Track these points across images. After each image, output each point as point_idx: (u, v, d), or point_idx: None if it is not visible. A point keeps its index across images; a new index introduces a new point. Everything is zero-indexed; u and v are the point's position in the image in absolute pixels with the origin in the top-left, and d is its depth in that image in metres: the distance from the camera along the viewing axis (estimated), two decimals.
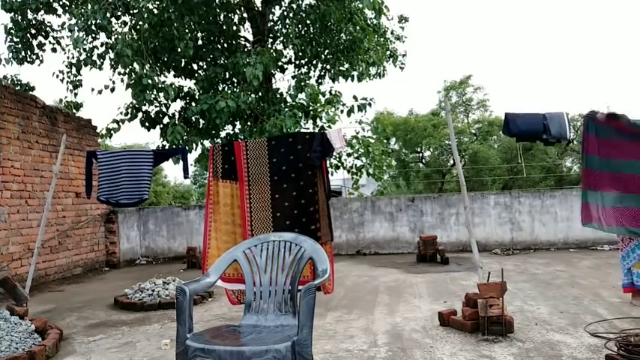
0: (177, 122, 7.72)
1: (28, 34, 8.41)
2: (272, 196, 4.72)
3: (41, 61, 8.71)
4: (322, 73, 9.30)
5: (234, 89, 8.06)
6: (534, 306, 4.77)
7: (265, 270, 3.03)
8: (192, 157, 10.00)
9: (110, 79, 8.56)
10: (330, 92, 8.61)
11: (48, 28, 8.61)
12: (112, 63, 7.68)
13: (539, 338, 3.75)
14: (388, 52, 10.18)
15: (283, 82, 12.18)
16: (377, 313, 4.79)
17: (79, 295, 6.55)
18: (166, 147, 7.87)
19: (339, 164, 9.09)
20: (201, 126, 8.12)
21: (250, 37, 8.89)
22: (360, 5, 8.24)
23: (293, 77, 8.83)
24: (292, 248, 3.04)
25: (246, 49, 8.34)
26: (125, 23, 8.24)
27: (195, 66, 8.80)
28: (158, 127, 8.34)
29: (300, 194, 4.69)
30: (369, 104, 8.17)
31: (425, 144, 24.30)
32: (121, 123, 8.20)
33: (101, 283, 7.49)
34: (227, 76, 8.30)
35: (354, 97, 8.18)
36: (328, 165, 5.54)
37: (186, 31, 7.70)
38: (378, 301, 5.33)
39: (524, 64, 53.21)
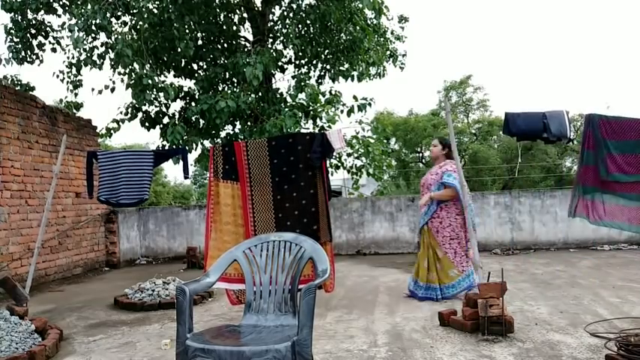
0: (177, 122, 7.72)
1: (28, 34, 8.41)
2: (274, 197, 4.73)
3: (41, 61, 8.71)
4: (322, 73, 9.30)
5: (234, 89, 8.06)
6: (534, 306, 4.77)
7: (265, 270, 3.03)
8: (192, 157, 10.00)
9: (110, 79, 8.57)
10: (330, 92, 8.61)
11: (48, 28, 8.61)
12: (112, 63, 7.68)
13: (539, 338, 3.75)
14: (388, 52, 10.18)
15: (283, 82, 12.19)
16: (377, 313, 4.79)
17: (79, 295, 6.55)
18: (166, 147, 7.87)
19: (339, 164, 9.09)
20: (201, 126, 8.12)
21: (250, 37, 8.89)
22: (360, 5, 8.24)
23: (293, 77, 8.83)
24: (292, 248, 3.04)
25: (246, 49, 8.34)
26: (125, 23, 8.24)
27: (195, 66, 8.80)
28: (158, 127, 8.34)
29: (300, 195, 4.69)
30: (369, 104, 8.17)
31: (425, 144, 24.29)
32: (121, 123, 8.21)
33: (101, 283, 7.49)
34: (227, 76, 8.30)
35: (354, 97, 8.18)
36: (328, 165, 5.55)
37: (187, 31, 7.70)
38: (378, 301, 5.33)
39: (524, 64, 53.24)
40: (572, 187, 4.54)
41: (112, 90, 8.01)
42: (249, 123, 8.18)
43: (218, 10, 8.45)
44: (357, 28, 8.63)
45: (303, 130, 7.91)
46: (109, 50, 7.80)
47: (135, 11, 7.65)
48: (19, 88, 8.59)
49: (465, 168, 20.31)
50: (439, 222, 5.11)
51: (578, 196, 4.42)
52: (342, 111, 8.38)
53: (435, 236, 5.12)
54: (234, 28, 8.89)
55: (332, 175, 8.71)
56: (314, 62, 9.20)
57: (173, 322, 4.42)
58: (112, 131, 8.26)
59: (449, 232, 5.09)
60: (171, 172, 46.02)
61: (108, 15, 7.00)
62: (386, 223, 9.61)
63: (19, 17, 8.20)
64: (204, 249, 4.75)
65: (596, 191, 4.35)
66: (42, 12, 8.28)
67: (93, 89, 7.90)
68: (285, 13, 8.72)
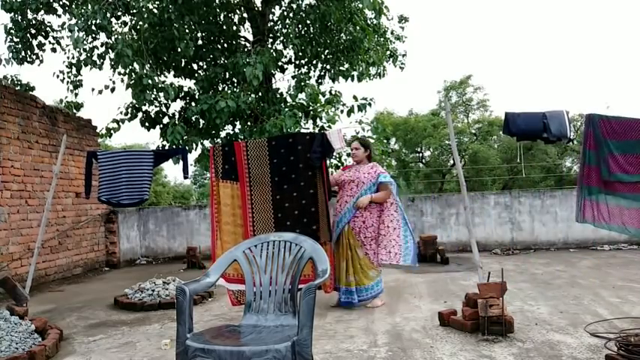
0: (177, 122, 7.72)
1: (28, 34, 8.40)
2: (273, 197, 4.73)
3: (41, 61, 8.69)
4: (322, 73, 9.29)
5: (234, 89, 8.06)
6: (534, 306, 4.77)
7: (265, 270, 3.03)
8: (192, 157, 10.00)
9: (110, 79, 8.55)
10: (330, 92, 8.60)
11: (48, 28, 8.60)
12: (112, 63, 7.67)
13: (539, 338, 3.75)
14: (388, 52, 10.17)
15: (283, 82, 12.18)
16: (377, 313, 4.79)
17: (79, 295, 6.55)
18: (166, 147, 7.87)
19: (339, 164, 9.08)
20: (201, 126, 8.11)
21: (250, 37, 8.89)
22: (360, 5, 8.23)
23: (293, 77, 8.83)
24: (292, 248, 3.04)
25: (246, 49, 8.33)
26: (125, 23, 8.24)
27: (195, 66, 8.79)
28: (158, 127, 8.34)
29: (300, 195, 4.70)
30: (369, 104, 8.16)
31: (425, 144, 24.32)
32: (121, 123, 8.20)
33: (101, 283, 7.49)
34: (227, 76, 8.30)
35: (354, 97, 8.17)
36: (328, 165, 5.55)
37: (187, 31, 7.70)
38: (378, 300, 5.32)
39: (524, 64, 53.22)
40: (577, 190, 4.50)
41: (112, 90, 8.00)
42: (249, 123, 8.17)
43: (218, 10, 8.44)
44: (357, 28, 8.62)
45: (303, 130, 7.91)
46: (109, 50, 7.80)
47: (135, 11, 7.65)
48: (19, 88, 8.58)
49: (465, 168, 20.32)
50: (362, 221, 4.97)
51: (584, 197, 4.41)
52: (342, 111, 8.37)
53: (358, 236, 4.99)
54: (234, 28, 8.88)
55: (332, 175, 8.69)
56: (314, 62, 9.20)
57: (173, 322, 4.42)
58: (112, 131, 8.25)
59: (370, 233, 4.97)
60: (171, 172, 45.99)
61: (108, 15, 6.99)
62: None
63: (19, 17, 8.19)
64: (211, 249, 4.74)
65: (600, 192, 4.34)
66: (42, 12, 8.27)
67: (93, 89, 7.89)
68: (285, 13, 8.71)
